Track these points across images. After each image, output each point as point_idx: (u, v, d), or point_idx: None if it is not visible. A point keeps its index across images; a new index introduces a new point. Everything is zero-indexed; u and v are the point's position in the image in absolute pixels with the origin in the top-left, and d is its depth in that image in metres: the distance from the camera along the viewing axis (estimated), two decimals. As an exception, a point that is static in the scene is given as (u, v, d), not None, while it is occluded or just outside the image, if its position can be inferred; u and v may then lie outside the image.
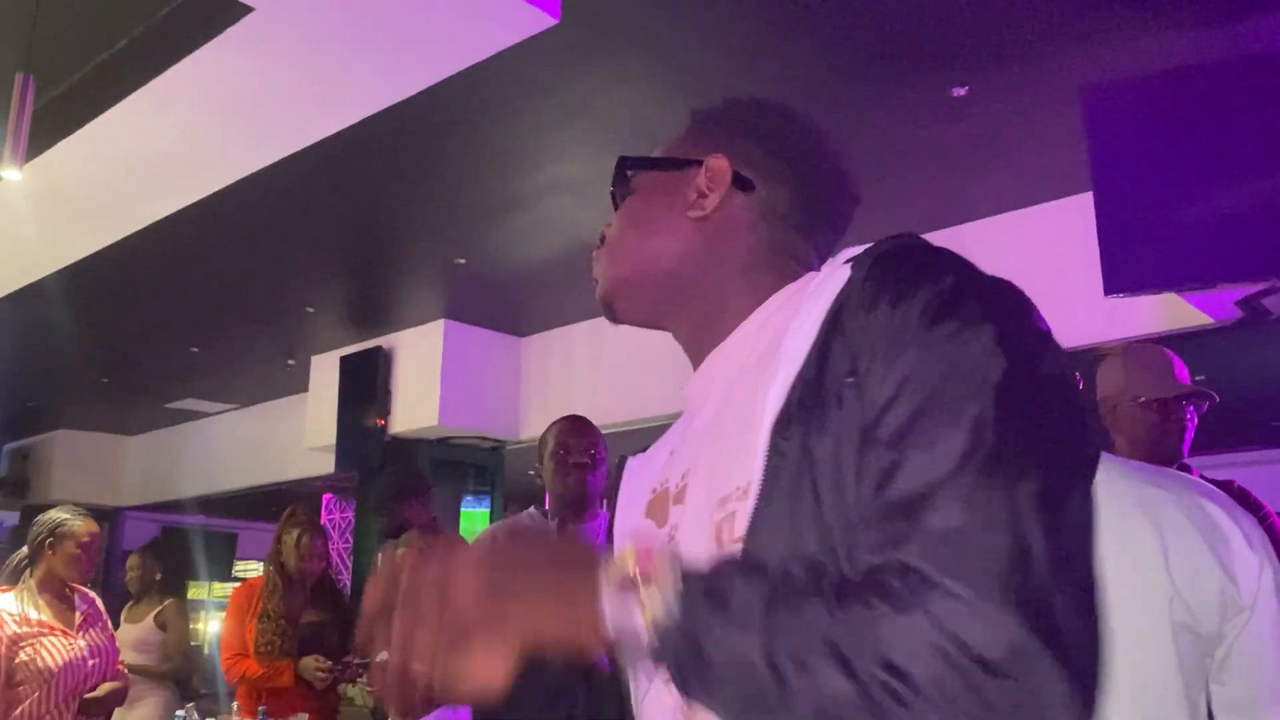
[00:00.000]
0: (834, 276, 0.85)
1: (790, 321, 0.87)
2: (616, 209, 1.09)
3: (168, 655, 4.95)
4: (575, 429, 3.00)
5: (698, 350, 1.03)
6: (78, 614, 3.35)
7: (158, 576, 5.30)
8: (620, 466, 1.14)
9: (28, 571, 3.36)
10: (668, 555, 0.71)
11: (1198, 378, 5.06)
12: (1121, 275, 3.60)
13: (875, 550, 0.69)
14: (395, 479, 4.38)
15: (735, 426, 0.88)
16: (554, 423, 3.07)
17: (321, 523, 4.18)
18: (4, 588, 3.35)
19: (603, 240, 1.08)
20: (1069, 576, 0.65)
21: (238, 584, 5.56)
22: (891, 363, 0.74)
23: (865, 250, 0.86)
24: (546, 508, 3.06)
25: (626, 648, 0.70)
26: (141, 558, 5.38)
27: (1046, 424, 0.72)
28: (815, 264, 1.01)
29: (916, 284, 0.78)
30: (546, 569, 0.74)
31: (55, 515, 3.40)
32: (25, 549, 3.40)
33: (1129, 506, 1.53)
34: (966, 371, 0.72)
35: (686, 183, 1.03)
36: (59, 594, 3.35)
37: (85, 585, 3.50)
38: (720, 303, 1.00)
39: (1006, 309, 0.79)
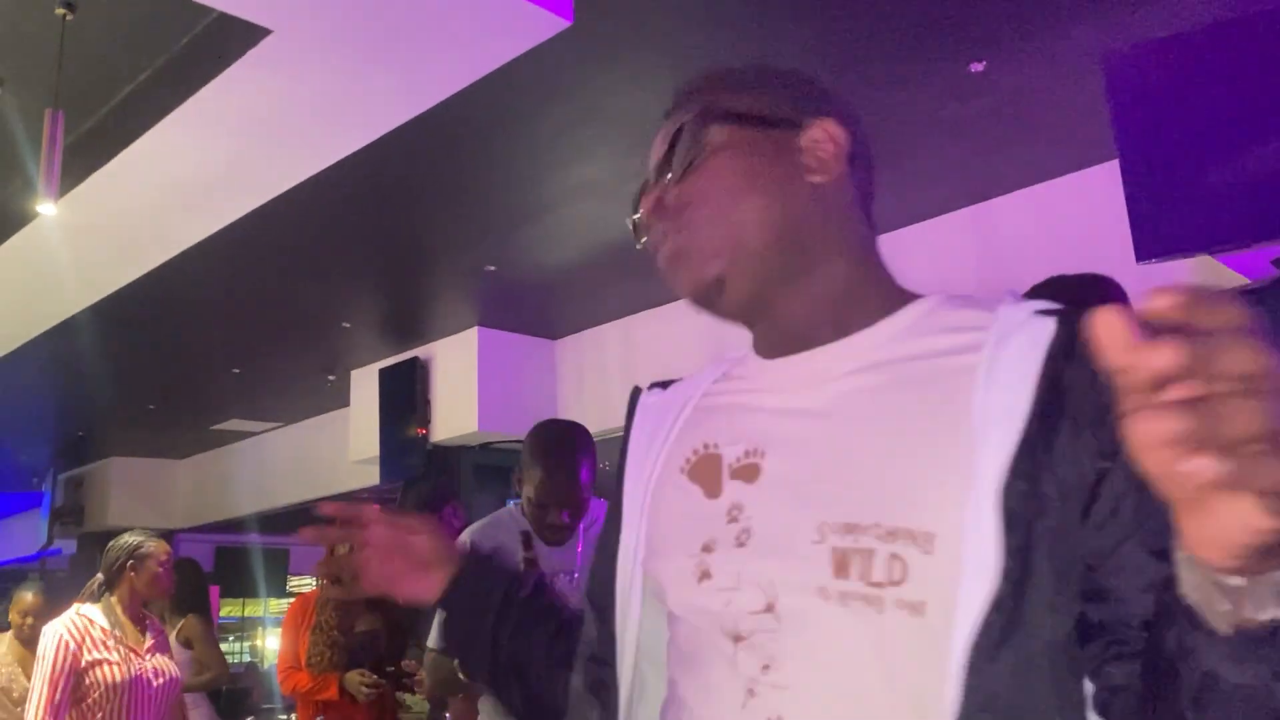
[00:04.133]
0: (1028, 326, 0.81)
1: (949, 354, 0.83)
2: (677, 172, 0.92)
3: (204, 667, 4.99)
4: (553, 482, 2.54)
5: (793, 334, 0.91)
6: (148, 637, 3.47)
7: (178, 597, 5.23)
8: (634, 398, 1.07)
9: (107, 593, 3.46)
10: None
11: (1239, 340, 4.97)
12: (1153, 241, 3.56)
13: None
14: (432, 490, 4.42)
15: (884, 454, 0.81)
16: (537, 443, 2.63)
17: None
18: (86, 601, 3.47)
19: (667, 210, 0.92)
20: None
21: (293, 599, 5.60)
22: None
23: (1064, 310, 0.82)
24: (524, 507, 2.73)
25: None
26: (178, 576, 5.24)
27: None
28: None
29: None
30: None
31: (131, 539, 3.50)
32: (100, 575, 3.49)
33: None
34: None
35: (791, 145, 0.91)
36: (135, 616, 3.47)
37: (165, 601, 3.60)
38: (840, 290, 0.91)
39: None
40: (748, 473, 0.87)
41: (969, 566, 0.74)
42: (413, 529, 1.10)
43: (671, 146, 0.93)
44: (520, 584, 1.09)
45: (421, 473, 6.79)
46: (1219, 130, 3.47)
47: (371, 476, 7.46)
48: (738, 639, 0.83)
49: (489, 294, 6.24)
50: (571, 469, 2.58)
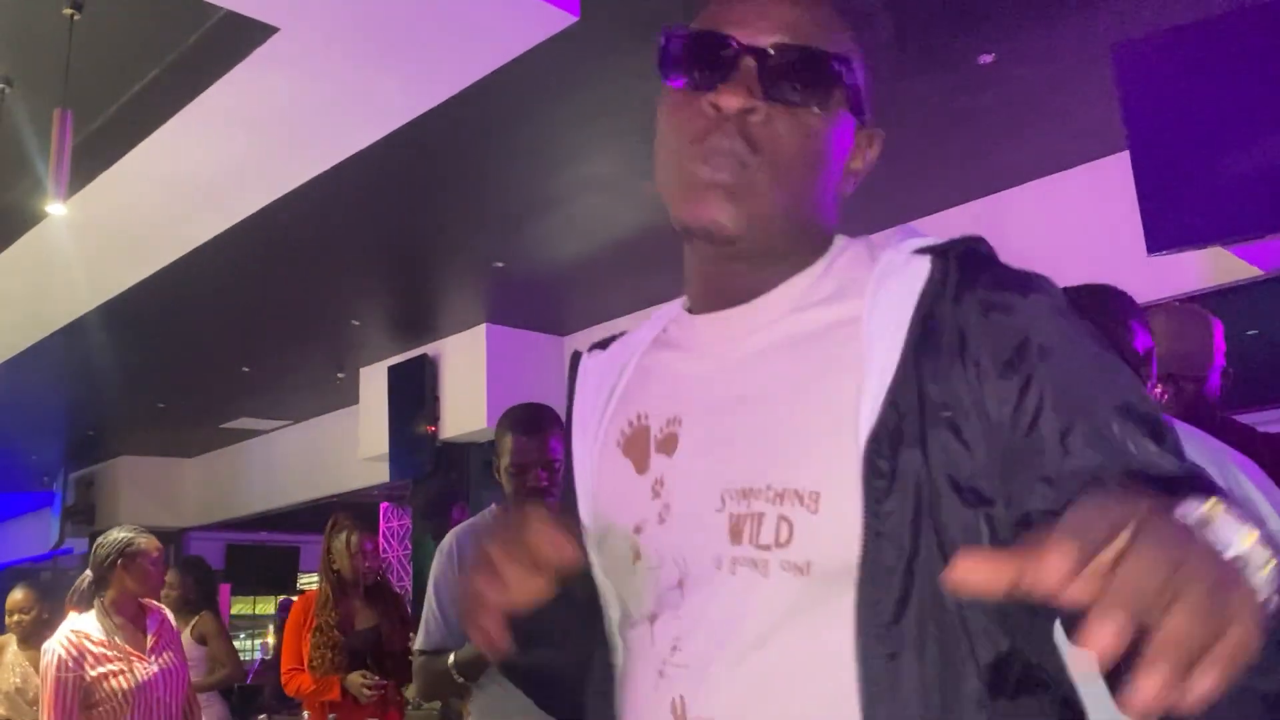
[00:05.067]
0: (904, 268, 0.80)
1: (838, 305, 0.82)
2: (790, 99, 0.83)
3: (217, 664, 4.99)
4: (532, 442, 2.58)
5: (733, 287, 0.87)
6: (150, 636, 3.39)
7: (190, 596, 5.21)
8: (575, 362, 1.02)
9: (99, 594, 3.38)
10: None
11: (1249, 332, 4.96)
12: (1164, 232, 3.55)
13: None
14: (439, 492, 4.36)
15: (780, 416, 0.79)
16: (504, 422, 2.68)
17: (365, 524, 4.14)
18: (80, 609, 3.39)
19: (757, 140, 0.82)
20: None
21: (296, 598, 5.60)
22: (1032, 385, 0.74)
23: (941, 246, 0.81)
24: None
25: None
26: (180, 575, 5.22)
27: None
28: None
29: (1025, 302, 0.77)
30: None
31: (119, 535, 3.41)
32: (88, 573, 3.42)
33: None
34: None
35: (852, 133, 0.89)
36: (132, 615, 3.39)
37: (156, 599, 3.56)
38: (795, 255, 0.88)
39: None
40: (668, 444, 0.86)
41: (841, 524, 0.73)
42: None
43: (805, 61, 0.83)
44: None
45: (431, 470, 6.80)
46: (1231, 120, 3.45)
47: (381, 474, 7.47)
48: (653, 618, 0.82)
49: (497, 290, 6.23)
50: (543, 436, 2.63)
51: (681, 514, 0.82)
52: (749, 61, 0.82)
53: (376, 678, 3.83)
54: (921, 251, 0.81)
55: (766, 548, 0.75)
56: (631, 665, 0.85)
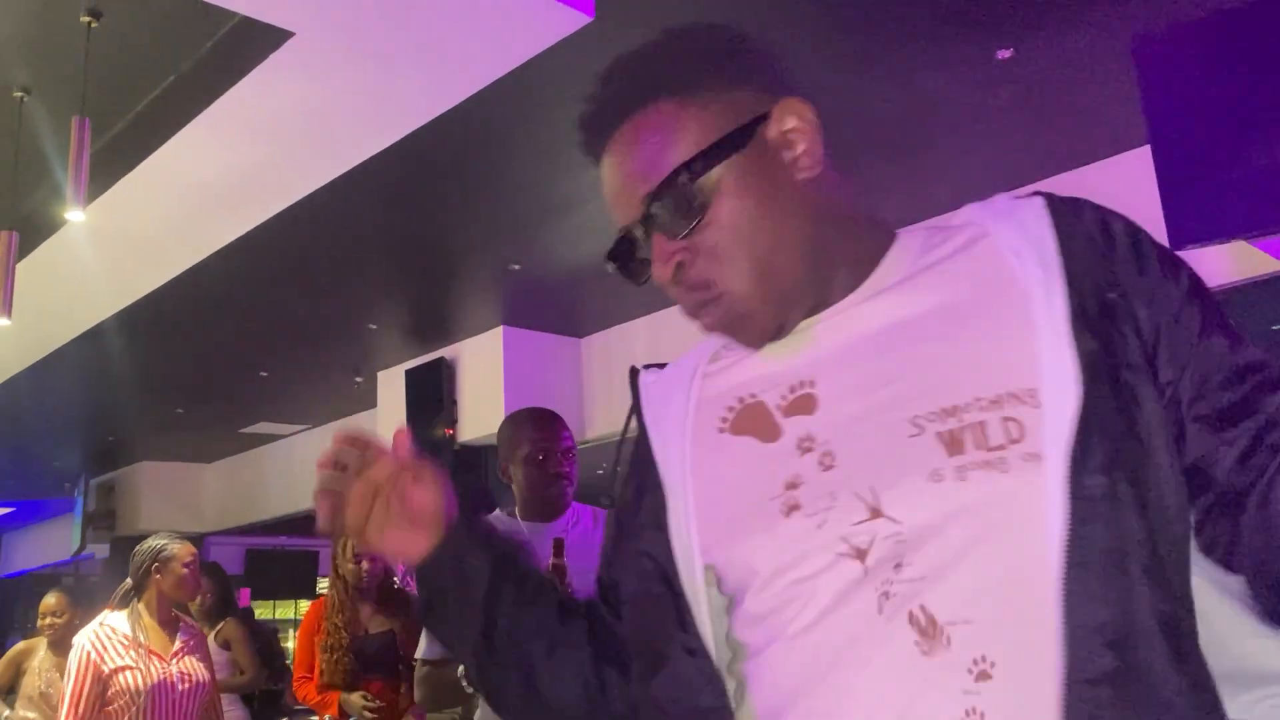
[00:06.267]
0: (1017, 207, 0.88)
1: (956, 249, 0.88)
2: (683, 232, 0.86)
3: (241, 669, 5.05)
4: (549, 431, 2.64)
5: (811, 306, 0.90)
6: (177, 641, 3.48)
7: (209, 598, 5.24)
8: (634, 378, 1.04)
9: (135, 598, 3.48)
10: None
11: (1274, 327, 4.91)
12: (1187, 227, 3.51)
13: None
14: (462, 494, 4.31)
15: (953, 336, 0.82)
16: (516, 419, 2.74)
17: None
18: (114, 608, 3.49)
19: (692, 282, 0.88)
20: None
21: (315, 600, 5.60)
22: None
23: (1041, 194, 0.89)
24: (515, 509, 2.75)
25: None
26: (208, 580, 5.17)
27: None
28: None
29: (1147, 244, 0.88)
30: None
31: (155, 542, 3.52)
32: (129, 579, 3.52)
33: None
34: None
35: (768, 143, 0.87)
36: (164, 620, 3.48)
37: (193, 603, 3.60)
38: (847, 256, 0.89)
39: None
40: (803, 404, 0.85)
41: (1055, 403, 0.77)
42: (420, 477, 1.01)
43: (655, 200, 0.87)
44: (514, 556, 1.02)
45: (449, 474, 6.80)
46: (1253, 113, 3.41)
47: (400, 478, 7.48)
48: (861, 554, 0.79)
49: (514, 293, 6.23)
50: (557, 427, 2.68)
51: (859, 454, 0.82)
52: (647, 240, 0.88)
53: (378, 701, 3.71)
54: (1021, 198, 0.89)
55: (1000, 447, 0.77)
56: (827, 608, 0.80)
